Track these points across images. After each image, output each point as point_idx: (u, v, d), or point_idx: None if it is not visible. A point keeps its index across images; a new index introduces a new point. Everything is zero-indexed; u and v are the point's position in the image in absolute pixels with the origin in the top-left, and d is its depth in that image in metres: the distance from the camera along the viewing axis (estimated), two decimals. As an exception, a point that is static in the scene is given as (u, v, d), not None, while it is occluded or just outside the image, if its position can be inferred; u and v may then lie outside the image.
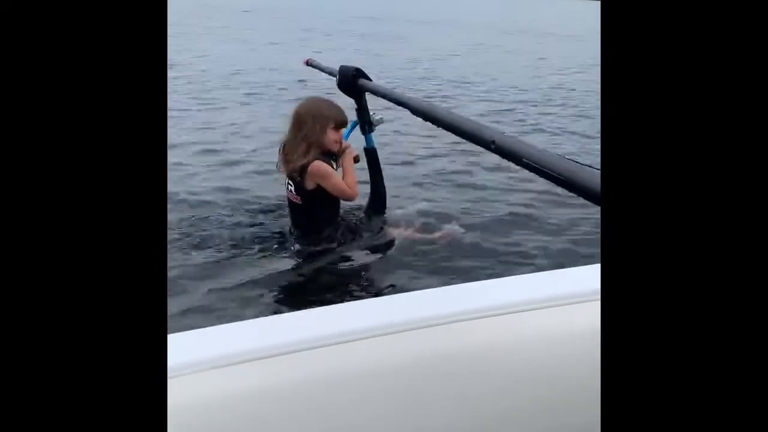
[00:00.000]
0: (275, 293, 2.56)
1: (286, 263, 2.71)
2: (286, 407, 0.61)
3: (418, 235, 2.93)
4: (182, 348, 0.60)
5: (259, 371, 0.61)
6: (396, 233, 2.93)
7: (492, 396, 0.68)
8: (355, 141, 3.01)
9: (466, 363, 0.67)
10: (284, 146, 2.72)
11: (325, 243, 2.74)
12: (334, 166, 2.75)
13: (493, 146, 1.69)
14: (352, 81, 2.70)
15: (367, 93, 2.79)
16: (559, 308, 0.70)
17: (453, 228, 3.05)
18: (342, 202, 2.86)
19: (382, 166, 3.03)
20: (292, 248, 2.77)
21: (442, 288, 0.74)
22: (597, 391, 0.48)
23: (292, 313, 0.70)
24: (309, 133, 2.63)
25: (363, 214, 3.06)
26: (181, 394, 0.57)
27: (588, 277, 0.74)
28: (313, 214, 2.73)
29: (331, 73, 3.00)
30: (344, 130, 2.98)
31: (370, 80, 2.72)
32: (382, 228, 2.95)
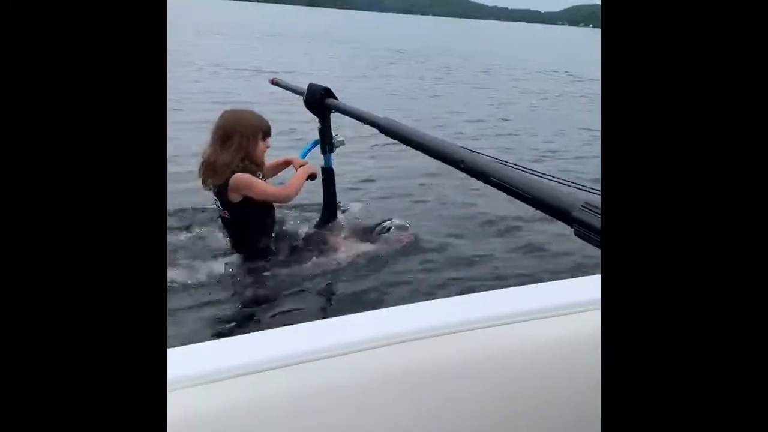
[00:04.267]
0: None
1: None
2: (287, 420, 0.61)
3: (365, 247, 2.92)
4: (182, 361, 0.60)
5: (259, 384, 0.61)
6: (343, 249, 2.91)
7: (491, 406, 0.68)
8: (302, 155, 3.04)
9: (465, 374, 0.68)
10: (207, 162, 2.65)
11: (262, 257, 2.70)
12: (260, 177, 2.73)
13: (462, 165, 1.72)
14: (320, 99, 2.72)
15: (332, 114, 2.81)
16: (558, 318, 0.71)
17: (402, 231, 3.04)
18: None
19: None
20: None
21: (441, 300, 0.75)
22: (597, 400, 0.49)
23: (292, 326, 0.70)
24: (240, 146, 2.61)
25: (313, 229, 3.04)
26: (181, 407, 0.57)
27: (586, 288, 0.74)
28: (246, 227, 2.69)
29: (296, 92, 3.01)
30: (305, 147, 3.00)
31: (337, 100, 2.73)
32: (325, 243, 2.92)
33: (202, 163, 2.66)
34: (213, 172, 2.60)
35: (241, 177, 2.59)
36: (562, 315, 0.71)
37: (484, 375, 0.68)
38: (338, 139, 2.93)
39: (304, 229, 2.95)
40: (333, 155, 2.96)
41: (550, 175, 1.81)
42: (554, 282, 0.79)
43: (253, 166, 2.67)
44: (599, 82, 0.52)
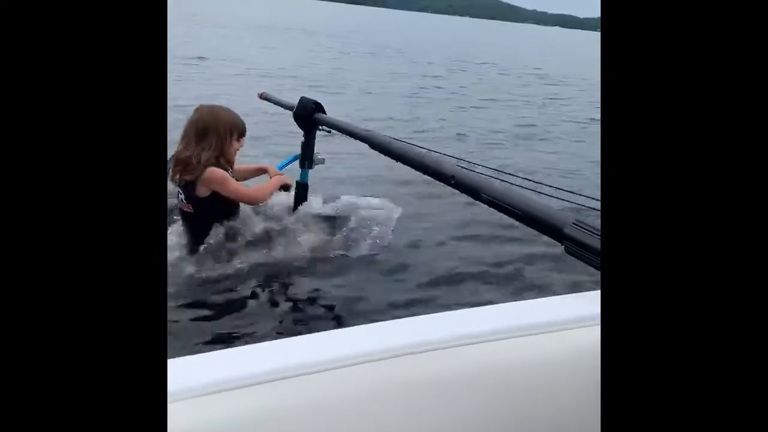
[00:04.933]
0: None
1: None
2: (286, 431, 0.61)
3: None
4: (182, 372, 0.59)
5: (260, 396, 0.60)
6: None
7: (491, 421, 0.68)
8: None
9: (465, 387, 0.67)
10: (178, 157, 2.57)
11: (217, 254, 2.65)
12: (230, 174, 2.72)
13: (452, 181, 1.74)
14: (309, 114, 2.74)
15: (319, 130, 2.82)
16: (559, 333, 0.71)
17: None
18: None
19: None
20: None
21: (441, 313, 0.74)
22: (596, 414, 0.48)
23: (294, 338, 0.69)
24: (215, 143, 2.56)
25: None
26: (181, 419, 0.56)
27: (586, 303, 0.75)
28: (208, 222, 2.65)
29: (285, 106, 3.03)
30: (281, 162, 2.97)
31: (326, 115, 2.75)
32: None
33: (172, 157, 2.58)
34: (185, 168, 2.54)
35: (215, 171, 2.55)
36: (562, 330, 0.71)
37: (483, 389, 0.68)
38: (319, 157, 2.90)
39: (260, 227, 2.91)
40: (310, 172, 2.97)
41: (547, 184, 1.83)
42: (554, 297, 0.80)
43: (226, 164, 2.66)
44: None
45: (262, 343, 0.67)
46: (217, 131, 2.57)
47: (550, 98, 10.88)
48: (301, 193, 2.88)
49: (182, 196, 2.62)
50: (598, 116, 0.53)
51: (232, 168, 2.67)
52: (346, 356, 0.63)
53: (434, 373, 0.66)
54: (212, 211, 2.62)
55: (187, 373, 0.59)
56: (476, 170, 1.86)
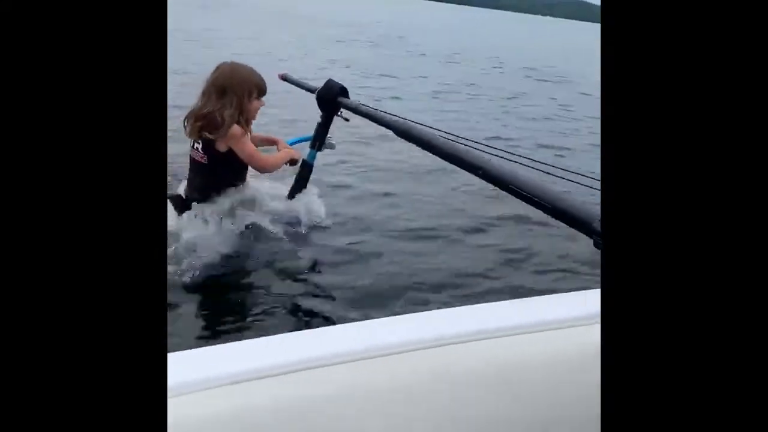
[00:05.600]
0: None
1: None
2: (288, 426, 0.60)
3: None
4: (182, 367, 0.59)
5: (261, 390, 0.60)
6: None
7: (492, 418, 0.68)
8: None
9: (465, 385, 0.68)
10: (199, 113, 2.60)
11: (220, 199, 2.70)
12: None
13: (480, 172, 1.69)
14: (333, 96, 2.73)
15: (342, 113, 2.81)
16: (559, 331, 0.71)
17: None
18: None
19: None
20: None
21: (442, 310, 0.74)
22: (597, 412, 0.49)
23: (296, 332, 0.69)
24: (236, 101, 2.58)
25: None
26: (181, 414, 0.56)
27: (587, 301, 0.75)
28: (217, 175, 2.69)
29: (306, 88, 3.04)
30: (296, 137, 3.00)
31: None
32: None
33: (191, 112, 2.63)
34: (209, 124, 2.57)
35: (237, 129, 2.59)
36: (562, 328, 0.71)
37: (484, 386, 0.68)
38: (330, 141, 2.92)
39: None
40: (318, 155, 2.96)
41: (575, 172, 1.78)
42: (555, 295, 0.80)
43: (245, 123, 2.64)
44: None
45: (264, 338, 0.66)
46: (237, 89, 2.59)
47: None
48: (305, 173, 2.88)
49: (198, 146, 2.64)
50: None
51: (249, 127, 2.69)
52: (346, 352, 0.63)
53: (432, 370, 0.66)
54: (224, 167, 2.65)
55: (187, 368, 0.59)
56: (461, 143, 1.85)
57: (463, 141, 1.94)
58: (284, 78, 3.33)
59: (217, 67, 2.67)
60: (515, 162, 1.83)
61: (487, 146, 1.99)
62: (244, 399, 0.59)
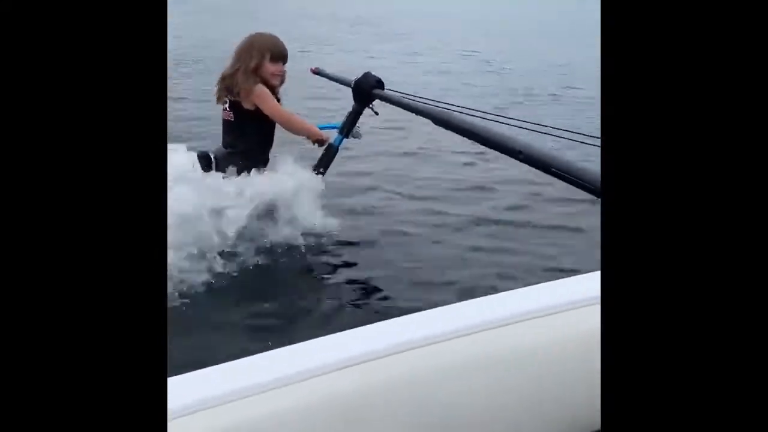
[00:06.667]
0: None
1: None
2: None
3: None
4: (182, 389, 0.59)
5: (261, 405, 0.60)
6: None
7: (496, 405, 0.71)
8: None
9: (470, 376, 0.69)
10: (224, 75, 2.78)
11: (249, 162, 2.76)
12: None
13: (521, 156, 1.65)
14: (369, 87, 2.78)
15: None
16: (560, 315, 0.73)
17: None
18: None
19: None
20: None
21: (443, 307, 0.76)
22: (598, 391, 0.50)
23: (292, 345, 0.69)
24: (249, 62, 2.72)
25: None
26: None
27: (582, 285, 0.78)
28: (245, 132, 2.78)
29: (340, 81, 3.09)
30: (327, 123, 3.04)
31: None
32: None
33: (220, 79, 2.80)
34: (229, 85, 2.73)
35: (263, 88, 2.72)
36: (564, 312, 0.74)
37: (492, 375, 0.70)
38: (358, 131, 2.98)
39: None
40: (343, 142, 3.01)
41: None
42: (553, 282, 0.82)
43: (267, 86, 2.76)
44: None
45: (262, 354, 0.66)
46: (253, 50, 2.72)
47: None
48: (329, 154, 2.92)
49: (226, 105, 2.76)
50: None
51: (275, 94, 2.77)
52: (356, 354, 0.64)
53: (437, 364, 0.68)
54: (251, 124, 2.74)
55: (187, 390, 0.58)
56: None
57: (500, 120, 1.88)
58: (316, 72, 3.37)
59: (246, 36, 2.83)
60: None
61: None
62: (245, 414, 0.59)
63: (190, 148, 2.85)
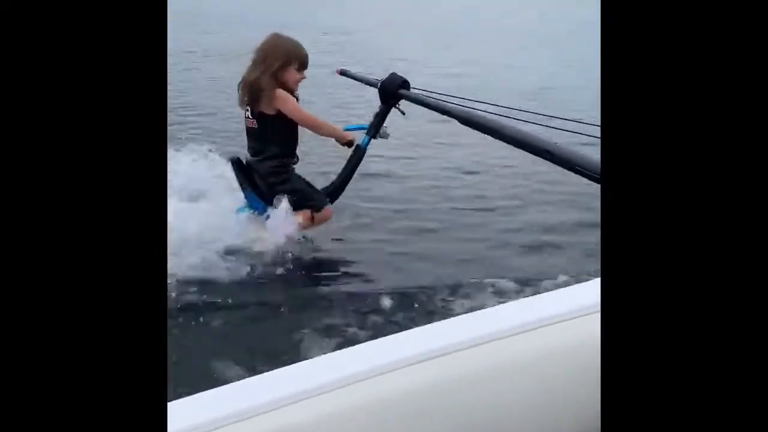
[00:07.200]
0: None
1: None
2: None
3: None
4: (181, 414, 0.59)
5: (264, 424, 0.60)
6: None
7: (502, 418, 0.70)
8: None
9: (472, 390, 0.69)
10: (246, 80, 2.75)
11: (277, 162, 2.79)
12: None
13: (548, 156, 1.62)
14: (395, 88, 2.78)
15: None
16: (557, 325, 0.73)
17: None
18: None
19: None
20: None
21: (444, 321, 0.76)
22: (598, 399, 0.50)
23: (292, 365, 0.69)
24: (272, 68, 2.69)
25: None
26: None
27: (581, 294, 0.77)
28: (268, 137, 2.77)
29: (366, 82, 3.12)
30: (354, 125, 3.04)
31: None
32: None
33: (242, 83, 2.78)
34: (250, 90, 2.71)
35: (282, 92, 2.69)
36: (562, 321, 0.73)
37: (493, 387, 0.70)
38: (386, 131, 2.99)
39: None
40: (370, 143, 3.01)
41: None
42: (552, 292, 0.82)
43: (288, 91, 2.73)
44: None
45: (265, 374, 0.66)
46: (272, 55, 2.69)
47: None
48: (357, 157, 2.94)
49: (248, 113, 2.75)
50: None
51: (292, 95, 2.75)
52: (346, 375, 0.64)
53: (438, 380, 0.68)
54: (273, 130, 2.73)
55: (186, 414, 0.58)
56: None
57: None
58: (342, 73, 3.39)
59: (266, 39, 2.79)
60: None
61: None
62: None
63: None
